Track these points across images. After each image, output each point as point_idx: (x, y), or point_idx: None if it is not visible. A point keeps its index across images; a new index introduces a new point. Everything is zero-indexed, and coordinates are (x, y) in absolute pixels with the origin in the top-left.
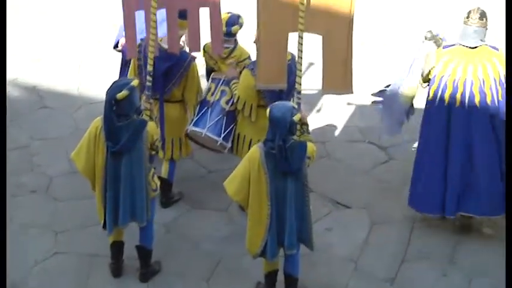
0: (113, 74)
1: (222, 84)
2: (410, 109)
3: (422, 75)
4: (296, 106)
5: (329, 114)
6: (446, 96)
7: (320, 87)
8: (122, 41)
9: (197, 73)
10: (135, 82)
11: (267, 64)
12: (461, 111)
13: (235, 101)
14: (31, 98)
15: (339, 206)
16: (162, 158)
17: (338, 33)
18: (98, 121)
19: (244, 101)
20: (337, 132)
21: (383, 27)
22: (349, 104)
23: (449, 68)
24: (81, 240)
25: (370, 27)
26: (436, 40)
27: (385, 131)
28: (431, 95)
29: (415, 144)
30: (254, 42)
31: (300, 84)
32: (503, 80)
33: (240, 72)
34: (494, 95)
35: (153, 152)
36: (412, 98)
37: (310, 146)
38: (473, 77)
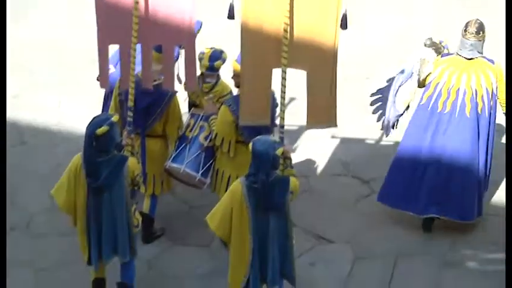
0: (93, 110)
1: (200, 120)
2: (405, 110)
3: (418, 80)
4: (279, 140)
5: (312, 148)
6: (440, 102)
7: (303, 121)
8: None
9: (178, 107)
10: (115, 117)
11: (251, 100)
12: (450, 118)
13: (213, 137)
14: (10, 134)
15: (322, 240)
16: (143, 194)
17: (322, 68)
18: (78, 157)
19: (223, 137)
20: (320, 166)
21: (365, 61)
22: (333, 137)
23: (444, 76)
24: (62, 278)
25: (352, 61)
26: (436, 47)
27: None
28: (424, 100)
29: None
30: (232, 77)
31: (283, 119)
32: (496, 92)
33: (219, 108)
34: (486, 105)
35: (135, 188)
36: (409, 101)
37: (293, 181)
38: (466, 87)
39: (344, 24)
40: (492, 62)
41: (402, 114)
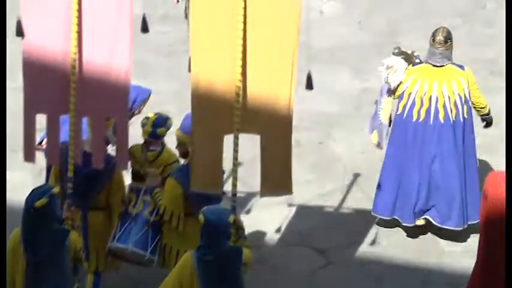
0: (32, 182)
1: (143, 194)
2: (391, 119)
3: (389, 89)
4: (230, 209)
5: (266, 216)
6: (414, 111)
7: (256, 188)
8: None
9: (122, 177)
10: (55, 189)
11: (202, 167)
12: (425, 125)
13: (160, 211)
14: None
15: None
16: (86, 270)
17: (276, 132)
18: (16, 232)
19: (171, 211)
20: (274, 236)
21: (319, 126)
22: (290, 205)
23: (416, 85)
24: None
25: (305, 125)
26: (406, 56)
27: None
28: (400, 109)
29: None
30: (176, 147)
31: (235, 186)
32: (469, 98)
33: (164, 179)
34: (460, 111)
35: (77, 264)
36: (389, 111)
37: (246, 252)
38: (438, 93)
39: (309, 85)
40: (462, 68)
41: (387, 128)
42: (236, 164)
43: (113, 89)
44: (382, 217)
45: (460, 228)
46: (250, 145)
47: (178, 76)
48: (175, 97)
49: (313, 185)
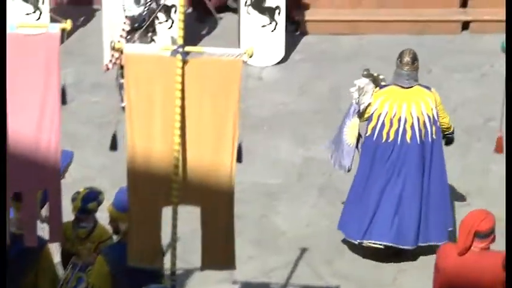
0: None
1: (78, 271)
2: (358, 141)
3: (359, 111)
4: None
5: None
6: (383, 132)
7: (196, 264)
8: None
9: (51, 258)
10: None
11: (140, 242)
12: (394, 146)
13: None
14: None
15: None
16: None
17: (217, 205)
18: None
19: None
20: None
21: (260, 198)
22: (234, 282)
23: (385, 106)
24: None
25: (246, 198)
26: (374, 79)
27: (336, 164)
28: (369, 131)
29: None
30: (109, 223)
31: (175, 264)
32: (436, 117)
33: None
34: (429, 131)
35: None
36: (356, 135)
37: None
38: (407, 115)
39: (239, 157)
40: (429, 89)
41: (356, 148)
42: (175, 239)
43: (43, 162)
44: (349, 239)
45: (413, 247)
46: (190, 218)
47: None
48: (107, 170)
49: (256, 261)
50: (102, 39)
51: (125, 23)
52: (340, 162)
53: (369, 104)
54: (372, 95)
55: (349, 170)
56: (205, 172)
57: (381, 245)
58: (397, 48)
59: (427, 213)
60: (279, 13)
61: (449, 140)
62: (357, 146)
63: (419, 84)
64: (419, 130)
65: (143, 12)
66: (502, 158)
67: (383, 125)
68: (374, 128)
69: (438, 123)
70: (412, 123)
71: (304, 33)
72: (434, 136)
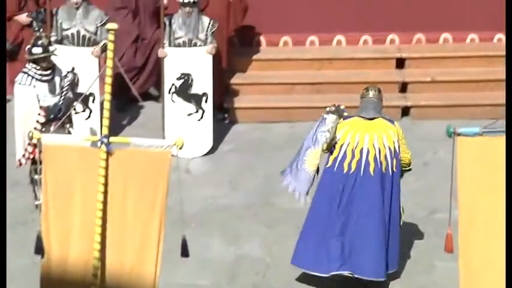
0: None
1: None
2: (316, 173)
3: (325, 144)
4: None
5: None
6: (345, 164)
7: None
8: None
9: None
10: None
11: None
12: (356, 178)
13: None
14: None
15: None
16: None
17: None
18: None
19: None
20: None
21: None
22: None
23: (348, 137)
24: None
25: None
26: (338, 112)
27: (296, 191)
28: (330, 162)
29: None
30: None
31: None
32: (398, 151)
33: None
34: (389, 164)
35: None
36: (316, 164)
37: None
38: (369, 146)
39: (185, 252)
40: (392, 122)
41: (313, 178)
42: None
43: None
44: (301, 268)
45: (382, 279)
46: None
47: (26, 250)
48: (22, 274)
49: None
50: (14, 132)
51: (39, 114)
52: (297, 190)
53: (334, 137)
54: (335, 127)
55: (306, 194)
56: (128, 276)
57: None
58: None
59: (387, 244)
60: (206, 100)
61: (405, 172)
62: (313, 179)
63: (383, 117)
64: (380, 162)
65: (59, 102)
66: (449, 255)
67: (345, 155)
68: (335, 159)
69: (399, 157)
70: (375, 155)
71: (234, 121)
72: (394, 169)
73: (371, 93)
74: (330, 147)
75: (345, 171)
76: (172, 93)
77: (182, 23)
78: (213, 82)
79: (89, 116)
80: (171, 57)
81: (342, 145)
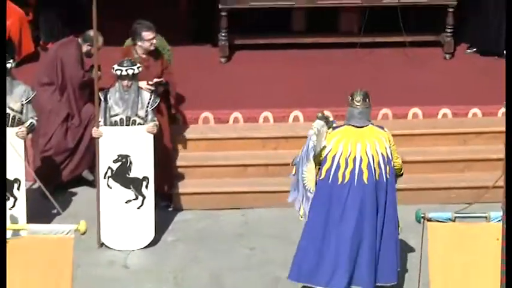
0: None
1: None
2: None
3: (314, 156)
4: None
5: None
6: (339, 174)
7: None
8: None
9: None
10: None
11: None
12: (350, 187)
13: None
14: None
15: None
16: None
17: None
18: None
19: None
20: None
21: None
22: None
23: (340, 147)
24: None
25: None
26: (327, 120)
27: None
28: (323, 174)
29: None
30: None
31: None
32: (391, 158)
33: None
34: (383, 171)
35: None
36: (314, 175)
37: None
38: (362, 154)
39: None
40: (382, 128)
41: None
42: None
43: None
44: (298, 282)
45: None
46: None
47: None
48: None
49: None
50: None
51: None
52: (304, 210)
53: (324, 147)
54: (325, 137)
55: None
56: None
57: None
58: (288, 224)
59: (380, 253)
60: (146, 185)
61: (397, 178)
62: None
63: (372, 124)
64: (374, 170)
65: None
66: None
67: (338, 166)
68: (329, 170)
69: (392, 163)
70: (368, 163)
71: (178, 209)
72: (388, 176)
73: (357, 100)
74: (321, 158)
75: (339, 182)
76: (109, 177)
77: (119, 98)
78: (155, 165)
79: (13, 205)
80: (107, 137)
81: (335, 155)
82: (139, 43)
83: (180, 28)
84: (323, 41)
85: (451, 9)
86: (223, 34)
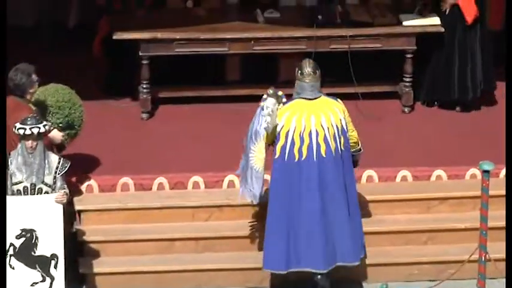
0: None
1: None
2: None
3: (267, 135)
4: None
5: None
6: (295, 151)
7: None
8: None
9: None
10: None
11: None
12: (309, 163)
13: None
14: None
15: None
16: None
17: None
18: None
19: None
20: None
21: None
22: None
23: (292, 122)
24: None
25: None
26: (277, 96)
27: (246, 194)
28: (278, 152)
29: None
30: None
31: None
32: (346, 129)
33: None
34: (338, 144)
35: None
36: (263, 158)
37: None
38: (317, 127)
39: None
40: (335, 99)
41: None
42: None
43: None
44: (277, 271)
45: (357, 263)
46: None
47: None
48: None
49: None
50: None
51: None
52: (250, 191)
53: (276, 124)
54: (276, 114)
55: (260, 193)
56: None
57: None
58: None
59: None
60: (55, 265)
61: (355, 160)
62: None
63: (325, 95)
64: (330, 143)
65: None
66: None
67: (293, 142)
68: (283, 148)
69: (347, 135)
70: (325, 136)
71: None
72: (342, 147)
73: (307, 72)
74: (274, 136)
75: (296, 159)
76: (11, 256)
77: (22, 163)
78: (65, 240)
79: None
80: (8, 209)
81: (288, 131)
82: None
83: (93, 79)
84: (261, 93)
85: (409, 56)
86: (144, 86)
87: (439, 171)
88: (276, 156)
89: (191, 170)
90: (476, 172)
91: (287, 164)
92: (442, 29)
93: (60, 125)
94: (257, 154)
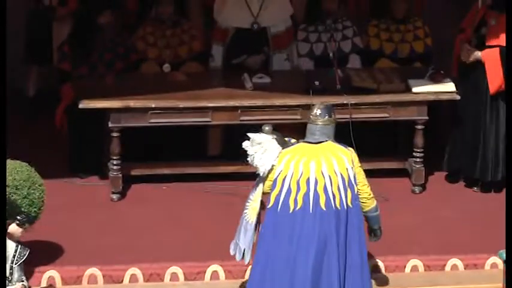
0: None
1: None
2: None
3: (261, 179)
4: None
5: None
6: (290, 200)
7: None
8: None
9: None
10: None
11: None
12: (304, 214)
13: None
14: None
15: None
16: None
17: None
18: None
19: None
20: None
21: None
22: None
23: (290, 167)
24: None
25: None
26: (278, 137)
27: (231, 248)
28: (272, 201)
29: None
30: None
31: None
32: (353, 181)
33: None
34: (343, 197)
35: None
36: (257, 208)
37: None
38: (316, 174)
39: None
40: (345, 146)
41: (255, 227)
42: None
43: None
44: None
45: None
46: None
47: None
48: None
49: None
50: None
51: None
52: (236, 244)
53: (273, 168)
54: (276, 156)
55: (244, 253)
56: None
57: None
58: None
59: None
60: None
61: (373, 224)
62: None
63: (333, 141)
64: (333, 194)
65: None
66: None
67: (289, 190)
68: (278, 196)
69: (355, 189)
70: (325, 185)
71: None
72: (349, 204)
73: (316, 114)
74: (267, 178)
75: (291, 210)
76: None
77: None
78: None
79: None
80: None
81: (285, 178)
82: None
83: (55, 153)
84: (248, 171)
85: (420, 127)
86: (114, 162)
87: (454, 260)
88: (270, 204)
89: (168, 260)
90: (498, 261)
91: (280, 215)
92: (458, 97)
93: (18, 217)
94: (252, 203)
